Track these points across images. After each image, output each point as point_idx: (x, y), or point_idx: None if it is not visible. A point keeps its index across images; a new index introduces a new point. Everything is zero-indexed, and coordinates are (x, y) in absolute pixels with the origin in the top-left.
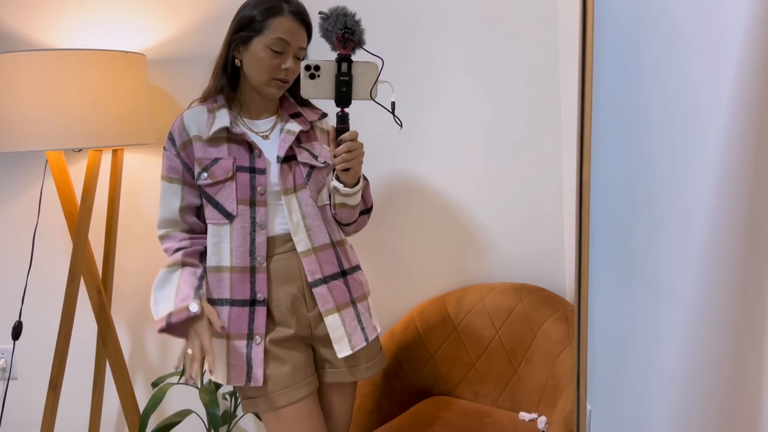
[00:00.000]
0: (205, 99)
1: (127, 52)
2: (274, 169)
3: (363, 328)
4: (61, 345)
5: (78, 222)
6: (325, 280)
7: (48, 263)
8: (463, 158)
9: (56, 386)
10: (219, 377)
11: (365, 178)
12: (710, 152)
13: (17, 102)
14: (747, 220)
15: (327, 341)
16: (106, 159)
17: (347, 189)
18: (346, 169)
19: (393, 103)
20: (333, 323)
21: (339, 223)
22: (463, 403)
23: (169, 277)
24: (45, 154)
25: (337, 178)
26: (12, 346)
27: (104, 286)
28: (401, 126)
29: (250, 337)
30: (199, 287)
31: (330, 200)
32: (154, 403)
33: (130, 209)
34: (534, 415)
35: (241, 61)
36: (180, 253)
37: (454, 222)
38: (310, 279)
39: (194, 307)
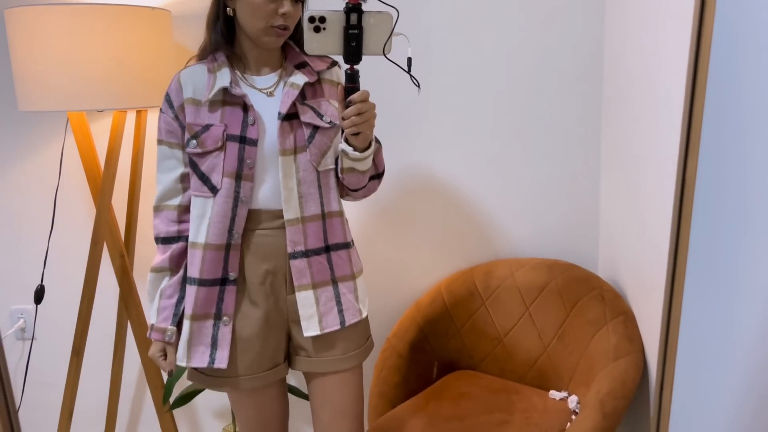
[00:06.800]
0: (203, 57)
1: (152, 7)
2: (270, 133)
3: (341, 310)
4: (84, 310)
5: (101, 187)
6: (306, 254)
7: (70, 226)
8: (496, 124)
9: (79, 352)
10: (179, 358)
11: (378, 141)
12: None
13: (37, 59)
14: None
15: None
16: (130, 119)
17: (357, 153)
18: (357, 133)
19: (409, 60)
20: (305, 300)
21: (347, 188)
22: (489, 379)
23: (154, 286)
24: (66, 114)
25: (347, 141)
26: (34, 308)
27: (126, 250)
28: (419, 87)
29: (217, 317)
30: (175, 314)
31: (337, 164)
32: (180, 369)
33: (152, 171)
34: (564, 394)
35: (234, 11)
36: (167, 255)
37: (484, 192)
38: (290, 250)
39: (170, 336)
